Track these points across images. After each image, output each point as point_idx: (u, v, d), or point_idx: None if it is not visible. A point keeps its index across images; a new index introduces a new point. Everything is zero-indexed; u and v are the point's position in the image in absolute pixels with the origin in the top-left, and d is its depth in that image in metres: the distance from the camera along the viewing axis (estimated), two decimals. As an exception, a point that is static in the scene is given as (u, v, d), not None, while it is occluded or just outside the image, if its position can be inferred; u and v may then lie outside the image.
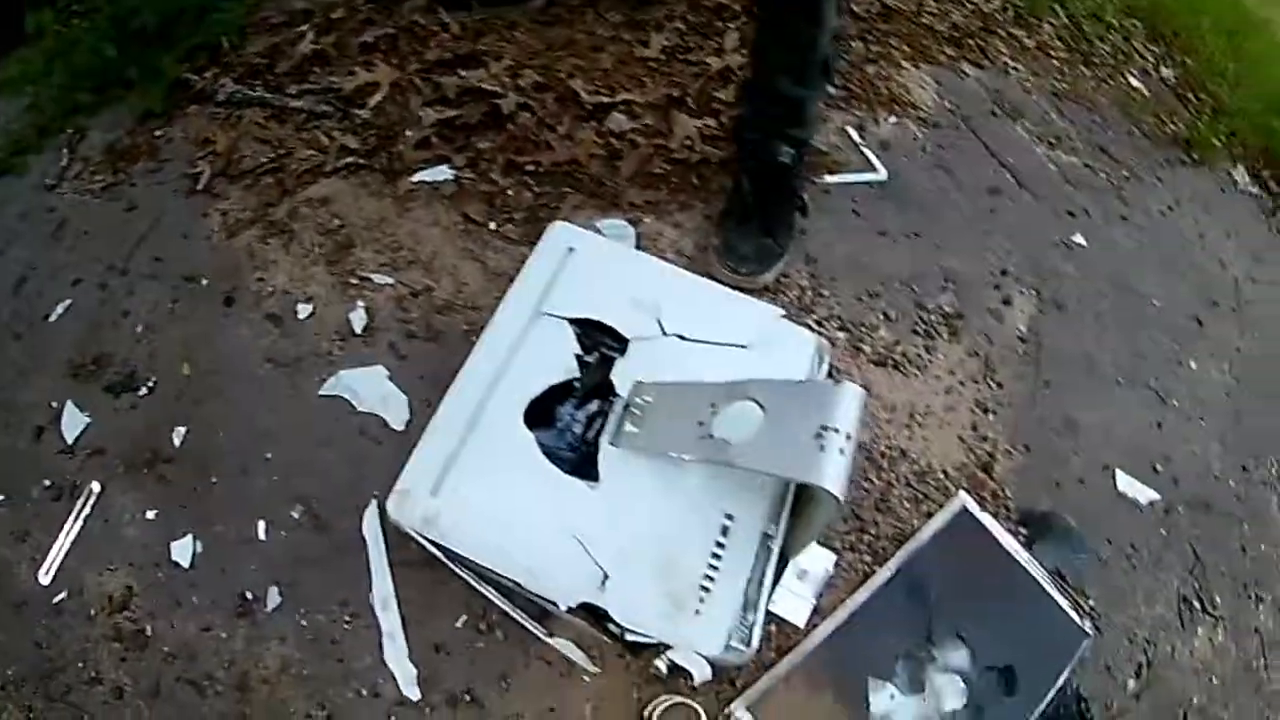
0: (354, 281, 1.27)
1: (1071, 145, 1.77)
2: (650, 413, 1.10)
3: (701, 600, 1.00)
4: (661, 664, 0.99)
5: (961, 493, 1.20)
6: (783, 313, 1.27)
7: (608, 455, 1.06)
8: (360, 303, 1.25)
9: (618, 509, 1.03)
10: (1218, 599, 1.24)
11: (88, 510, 1.10)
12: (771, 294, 1.37)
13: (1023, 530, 1.20)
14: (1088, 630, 1.12)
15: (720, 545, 1.04)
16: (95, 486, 1.11)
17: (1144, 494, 1.29)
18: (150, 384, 1.18)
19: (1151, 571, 1.23)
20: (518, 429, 1.06)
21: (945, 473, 1.24)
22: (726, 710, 1.00)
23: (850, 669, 1.05)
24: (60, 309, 1.26)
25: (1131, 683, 1.14)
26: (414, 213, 1.36)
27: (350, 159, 1.39)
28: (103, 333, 1.24)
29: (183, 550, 1.07)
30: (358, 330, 1.22)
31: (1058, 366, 1.39)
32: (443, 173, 1.40)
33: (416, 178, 1.39)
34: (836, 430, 0.97)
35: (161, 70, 1.45)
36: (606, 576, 0.99)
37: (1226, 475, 1.37)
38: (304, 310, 1.24)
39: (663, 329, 1.19)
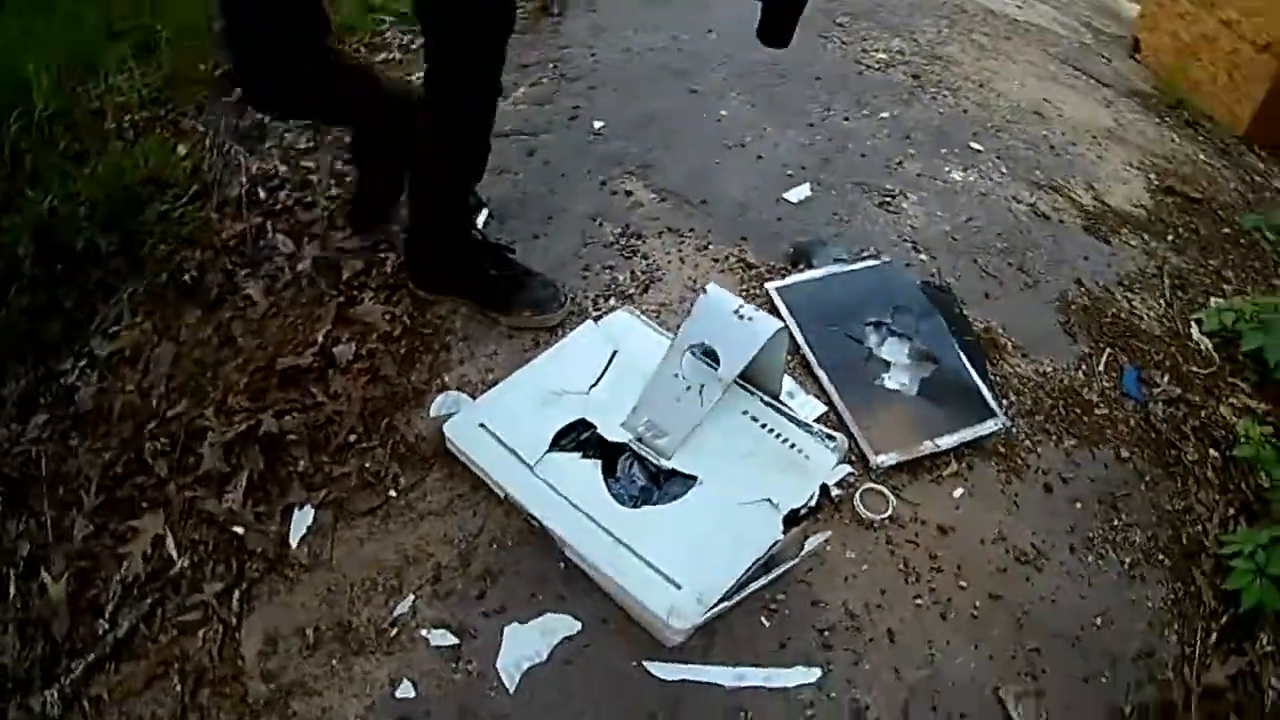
0: (396, 635, 1.23)
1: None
2: (656, 425, 1.39)
3: (804, 455, 1.39)
4: (834, 491, 1.37)
5: (767, 285, 1.72)
6: (590, 320, 1.59)
7: (680, 465, 1.34)
8: (411, 646, 1.22)
9: (724, 474, 1.34)
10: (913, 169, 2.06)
11: None
12: (560, 325, 1.63)
13: (800, 265, 1.77)
14: (887, 259, 1.78)
15: (766, 428, 1.42)
16: None
17: (804, 192, 1.97)
18: None
19: (865, 209, 1.94)
20: (640, 519, 1.27)
21: (749, 291, 1.74)
22: (873, 462, 1.43)
23: (855, 372, 1.57)
24: None
25: (935, 258, 1.85)
26: (333, 561, 1.30)
27: (234, 595, 1.24)
28: None
29: None
30: (449, 644, 1.21)
31: (695, 188, 1.95)
32: (308, 515, 1.34)
33: (297, 543, 1.31)
34: (740, 308, 1.39)
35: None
36: (773, 502, 1.30)
37: (845, 119, 2.18)
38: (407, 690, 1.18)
39: (585, 391, 1.44)
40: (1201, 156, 2.52)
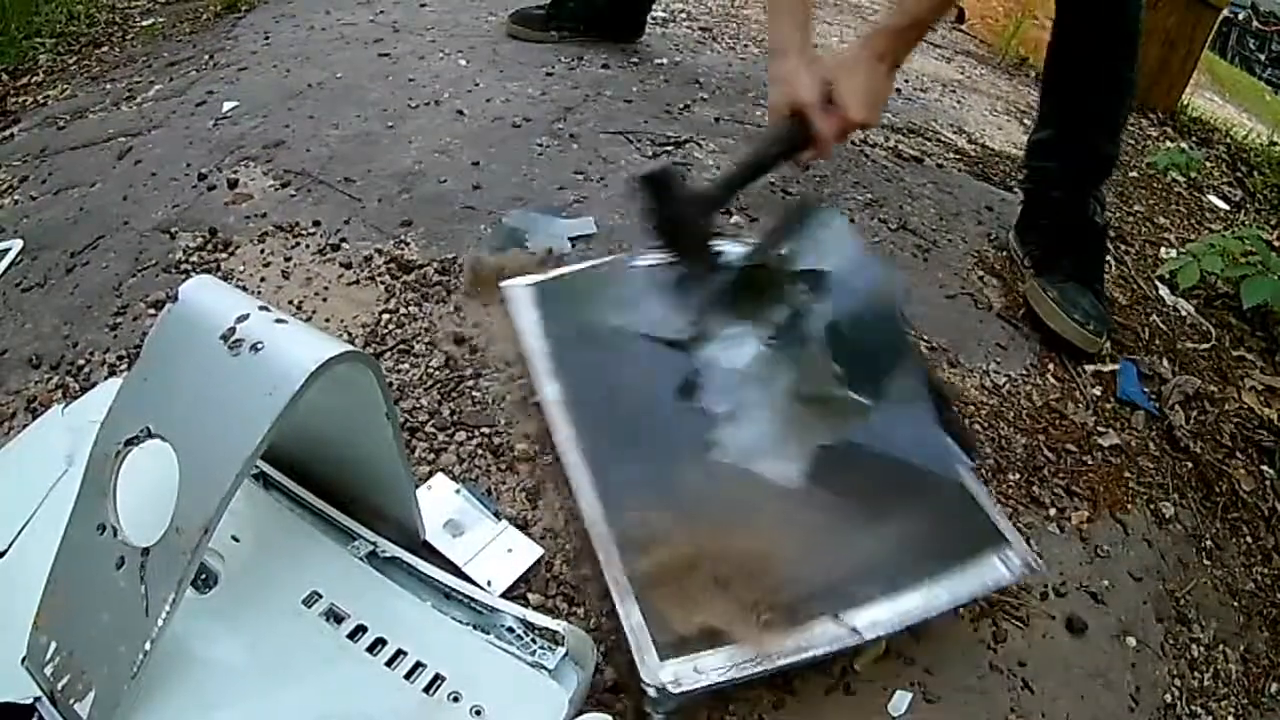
0: None
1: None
2: (72, 660, 0.51)
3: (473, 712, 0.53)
4: None
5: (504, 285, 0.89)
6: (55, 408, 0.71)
7: None
8: None
9: None
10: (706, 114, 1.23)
11: None
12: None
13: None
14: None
15: (362, 641, 0.58)
16: None
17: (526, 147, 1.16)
18: None
19: (630, 162, 1.14)
20: None
21: (401, 311, 0.90)
22: (652, 677, 0.57)
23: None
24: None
25: (756, 220, 1.05)
26: None
27: None
28: None
29: None
30: None
31: (342, 163, 1.12)
32: None
33: None
34: (237, 325, 0.54)
35: None
36: None
37: (604, 67, 1.34)
38: None
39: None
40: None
